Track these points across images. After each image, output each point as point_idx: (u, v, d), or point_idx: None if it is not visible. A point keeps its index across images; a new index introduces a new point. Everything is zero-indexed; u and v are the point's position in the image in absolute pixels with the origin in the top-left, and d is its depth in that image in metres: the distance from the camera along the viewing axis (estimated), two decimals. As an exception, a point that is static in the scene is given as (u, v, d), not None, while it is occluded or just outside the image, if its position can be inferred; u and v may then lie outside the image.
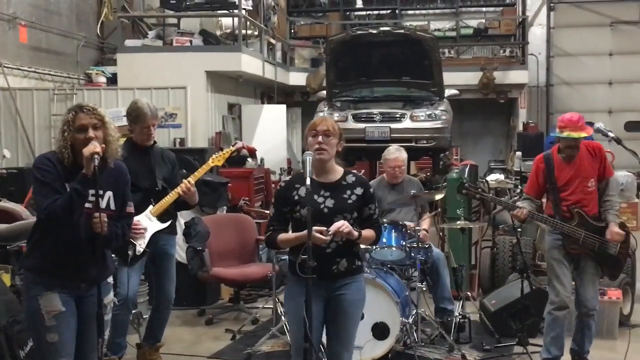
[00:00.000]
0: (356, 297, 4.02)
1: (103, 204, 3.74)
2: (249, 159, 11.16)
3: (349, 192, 3.99)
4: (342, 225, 3.80)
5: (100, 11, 13.85)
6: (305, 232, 3.74)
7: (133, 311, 5.60)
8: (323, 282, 3.88)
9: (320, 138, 3.97)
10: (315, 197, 3.94)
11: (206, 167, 5.31)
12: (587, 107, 16.34)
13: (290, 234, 3.99)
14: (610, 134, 5.29)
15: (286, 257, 7.05)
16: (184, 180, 5.15)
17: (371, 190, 4.08)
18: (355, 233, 3.87)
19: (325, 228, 3.78)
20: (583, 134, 5.13)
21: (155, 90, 11.17)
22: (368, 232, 4.00)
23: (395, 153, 6.70)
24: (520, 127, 16.36)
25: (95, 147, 3.63)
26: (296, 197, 3.97)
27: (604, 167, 5.33)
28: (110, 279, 4.04)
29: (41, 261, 3.75)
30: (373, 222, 4.06)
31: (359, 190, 4.00)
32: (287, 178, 4.21)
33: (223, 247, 7.31)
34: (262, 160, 11.70)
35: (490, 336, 6.31)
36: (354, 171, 4.29)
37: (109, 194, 3.81)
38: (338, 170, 4.07)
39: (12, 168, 9.17)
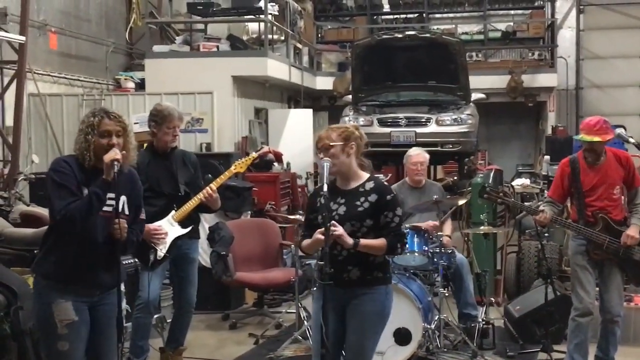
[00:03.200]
0: (370, 308, 3.90)
1: (120, 208, 3.76)
2: (276, 164, 11.19)
3: (362, 199, 3.93)
4: (335, 229, 3.75)
5: (129, 17, 14.00)
6: (317, 236, 3.78)
7: (156, 315, 5.65)
8: (339, 289, 3.86)
9: (321, 154, 3.97)
10: (332, 204, 3.94)
11: (229, 173, 5.36)
12: (617, 110, 16.16)
13: (308, 240, 3.98)
14: (631, 140, 5.24)
15: (310, 262, 7.17)
16: (206, 187, 5.19)
17: (388, 197, 3.93)
18: (348, 241, 3.79)
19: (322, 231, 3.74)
20: (596, 138, 5.08)
21: (182, 96, 11.24)
22: (376, 242, 3.87)
23: (417, 151, 6.75)
24: (549, 131, 16.19)
25: (116, 154, 3.67)
26: (318, 204, 3.95)
27: (633, 176, 5.28)
28: (122, 287, 4.05)
29: (55, 267, 3.74)
30: (390, 231, 3.90)
31: (372, 197, 3.92)
32: (318, 185, 4.13)
33: (247, 251, 7.34)
34: (288, 164, 11.73)
35: (514, 342, 6.27)
36: (380, 177, 4.28)
37: (123, 198, 3.83)
38: (361, 177, 4.03)
39: (41, 173, 9.28)
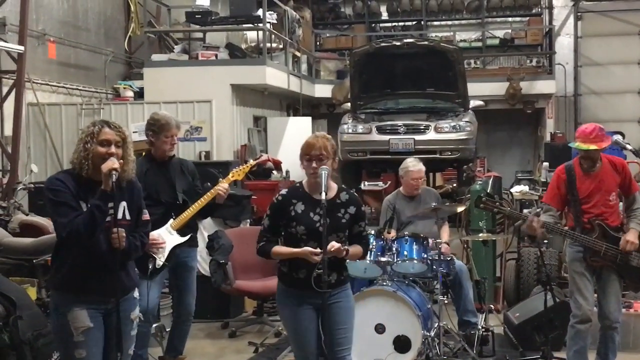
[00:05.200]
0: (348, 304, 4.23)
1: (119, 215, 3.78)
2: (275, 172, 11.20)
3: (342, 210, 4.14)
4: (333, 246, 3.97)
5: (128, 26, 14.04)
6: (301, 249, 4.00)
7: (155, 324, 5.65)
8: (315, 292, 3.98)
9: (314, 164, 4.05)
10: (311, 214, 4.07)
11: (227, 181, 5.38)
12: (615, 116, 16.21)
13: (285, 248, 4.11)
14: (629, 147, 5.24)
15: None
16: (219, 186, 5.25)
17: (362, 209, 4.28)
18: (342, 251, 4.04)
19: (319, 250, 3.96)
20: (593, 146, 5.08)
21: (181, 104, 11.27)
22: (356, 249, 4.21)
23: (418, 165, 6.72)
24: (548, 138, 16.22)
25: (113, 163, 3.67)
26: (292, 213, 4.10)
27: (629, 183, 5.29)
28: (137, 294, 4.04)
29: (67, 278, 3.78)
30: (362, 239, 4.26)
31: (352, 209, 4.17)
32: (284, 191, 4.21)
33: (246, 260, 7.31)
34: (287, 172, 11.73)
35: (514, 349, 6.26)
36: (374, 185, 4.41)
37: (123, 204, 3.84)
38: (333, 187, 4.18)
39: (40, 182, 9.28)
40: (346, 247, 4.09)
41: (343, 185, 4.35)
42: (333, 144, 4.15)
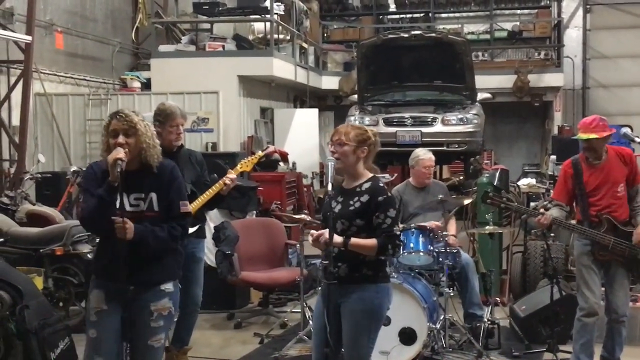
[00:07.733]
0: (356, 307, 3.94)
1: (145, 206, 3.79)
2: (281, 163, 11.20)
3: (355, 198, 3.99)
4: (320, 232, 3.89)
5: (135, 17, 14.05)
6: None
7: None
8: (332, 285, 3.90)
9: (333, 148, 4.02)
10: (333, 203, 4.01)
11: (235, 172, 5.37)
12: (624, 110, 16.16)
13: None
14: (637, 139, 5.21)
15: (315, 261, 7.18)
16: (227, 176, 5.24)
17: (380, 198, 3.94)
18: (337, 240, 3.86)
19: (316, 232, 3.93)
20: (593, 135, 5.06)
21: (188, 95, 11.30)
22: (365, 241, 3.91)
23: (428, 154, 6.71)
24: (556, 131, 16.18)
25: (118, 153, 3.66)
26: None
27: (635, 175, 5.26)
28: (166, 287, 3.97)
29: (95, 262, 4.03)
30: (382, 232, 3.91)
31: (364, 198, 3.96)
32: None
33: (252, 251, 7.33)
34: (294, 164, 11.74)
35: (520, 342, 6.24)
36: (386, 176, 4.32)
37: (153, 195, 3.82)
38: (364, 177, 4.06)
39: (47, 172, 9.33)
40: (348, 239, 3.88)
41: (384, 175, 4.24)
42: (360, 134, 4.02)
